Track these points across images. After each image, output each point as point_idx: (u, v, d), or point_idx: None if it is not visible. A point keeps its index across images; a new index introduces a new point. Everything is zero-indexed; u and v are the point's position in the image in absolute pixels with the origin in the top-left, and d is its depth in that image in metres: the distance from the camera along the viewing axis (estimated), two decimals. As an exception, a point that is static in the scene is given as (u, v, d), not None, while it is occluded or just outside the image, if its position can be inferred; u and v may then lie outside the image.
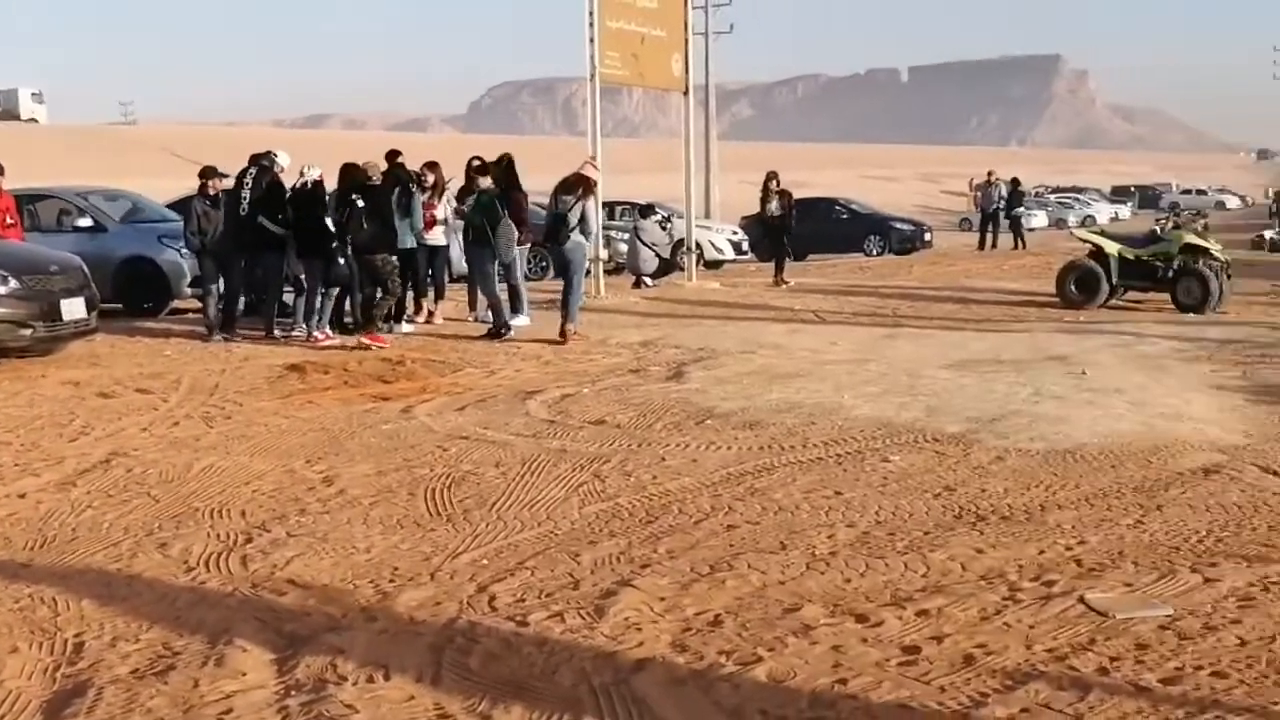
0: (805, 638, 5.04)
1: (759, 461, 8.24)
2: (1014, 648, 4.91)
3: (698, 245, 25.26)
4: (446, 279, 16.87)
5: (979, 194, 38.36)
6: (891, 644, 4.97)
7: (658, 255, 22.58)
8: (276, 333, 14.55)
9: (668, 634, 5.09)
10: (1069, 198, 76.81)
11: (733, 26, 52.39)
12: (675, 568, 5.97)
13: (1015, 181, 36.82)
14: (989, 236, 35.97)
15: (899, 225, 40.18)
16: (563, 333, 13.95)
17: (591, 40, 18.99)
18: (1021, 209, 37.54)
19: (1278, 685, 4.54)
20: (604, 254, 16.24)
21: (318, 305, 14.36)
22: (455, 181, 16.35)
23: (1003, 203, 35.38)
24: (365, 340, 13.55)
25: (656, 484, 7.65)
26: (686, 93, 22.34)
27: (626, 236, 23.32)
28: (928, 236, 39.83)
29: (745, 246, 31.05)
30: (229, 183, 14.93)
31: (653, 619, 5.27)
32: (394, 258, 14.28)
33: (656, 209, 24.65)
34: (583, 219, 14.44)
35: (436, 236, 15.88)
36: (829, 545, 6.35)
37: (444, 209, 15.91)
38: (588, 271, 15.89)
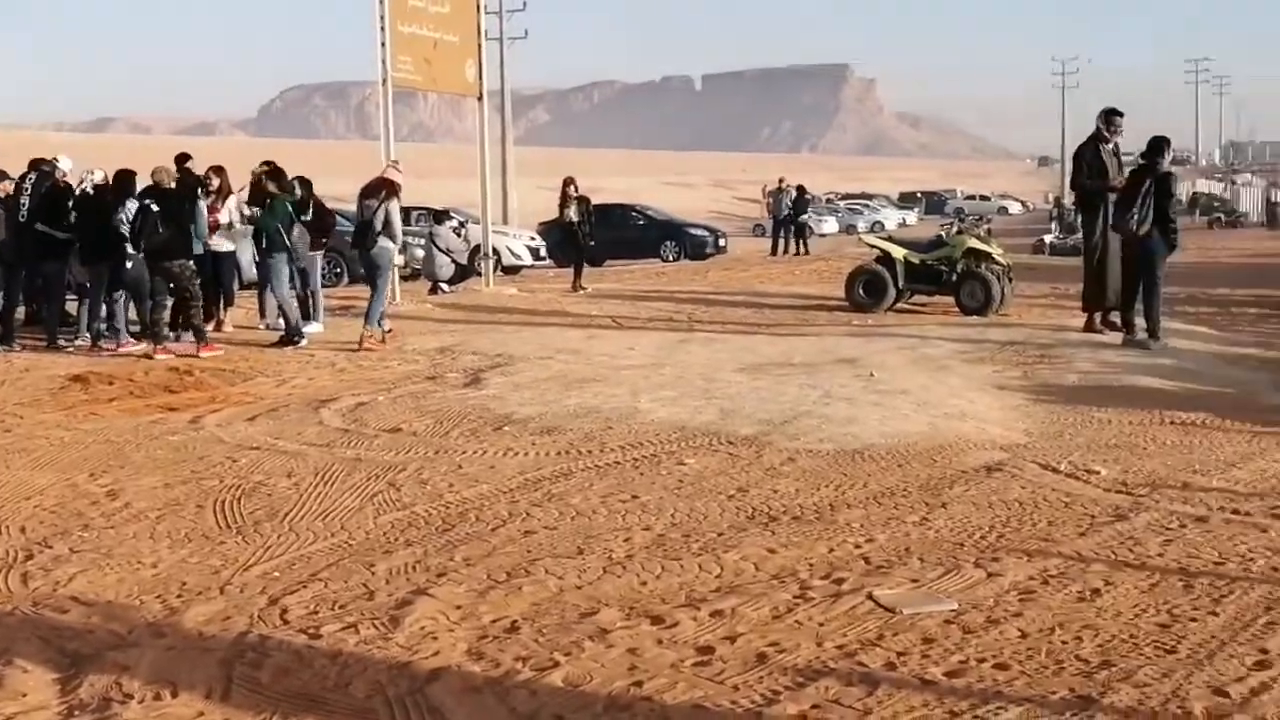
0: (602, 641, 5.07)
1: (556, 467, 8.25)
2: (805, 645, 5.00)
3: (495, 251, 25.19)
4: (236, 286, 16.52)
5: (771, 200, 39.08)
6: (686, 645, 5.02)
7: (454, 261, 22.47)
8: (60, 341, 14.09)
9: (464, 642, 5.07)
10: (859, 204, 78.67)
11: (527, 32, 52.51)
12: (472, 575, 5.94)
13: (800, 189, 37.62)
14: (782, 242, 36.66)
15: (694, 231, 40.64)
16: (362, 340, 13.80)
17: (383, 45, 18.83)
18: (806, 215, 38.38)
19: (1057, 675, 4.70)
20: (399, 260, 16.05)
21: (103, 313, 13.94)
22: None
23: (789, 210, 36.27)
24: (161, 350, 13.27)
25: (453, 491, 7.61)
26: (481, 98, 22.28)
27: (422, 243, 23.13)
28: (722, 242, 40.36)
29: (543, 252, 31.07)
30: (8, 185, 14.38)
31: (449, 627, 5.24)
32: (191, 263, 13.96)
33: (452, 214, 24.53)
34: (388, 222, 14.34)
35: (222, 242, 15.49)
36: (626, 549, 6.39)
37: (229, 214, 15.54)
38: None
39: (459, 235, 22.90)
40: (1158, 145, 14.03)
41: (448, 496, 7.49)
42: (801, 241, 36.57)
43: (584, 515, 7.06)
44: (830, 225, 64.86)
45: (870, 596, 5.60)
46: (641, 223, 40.02)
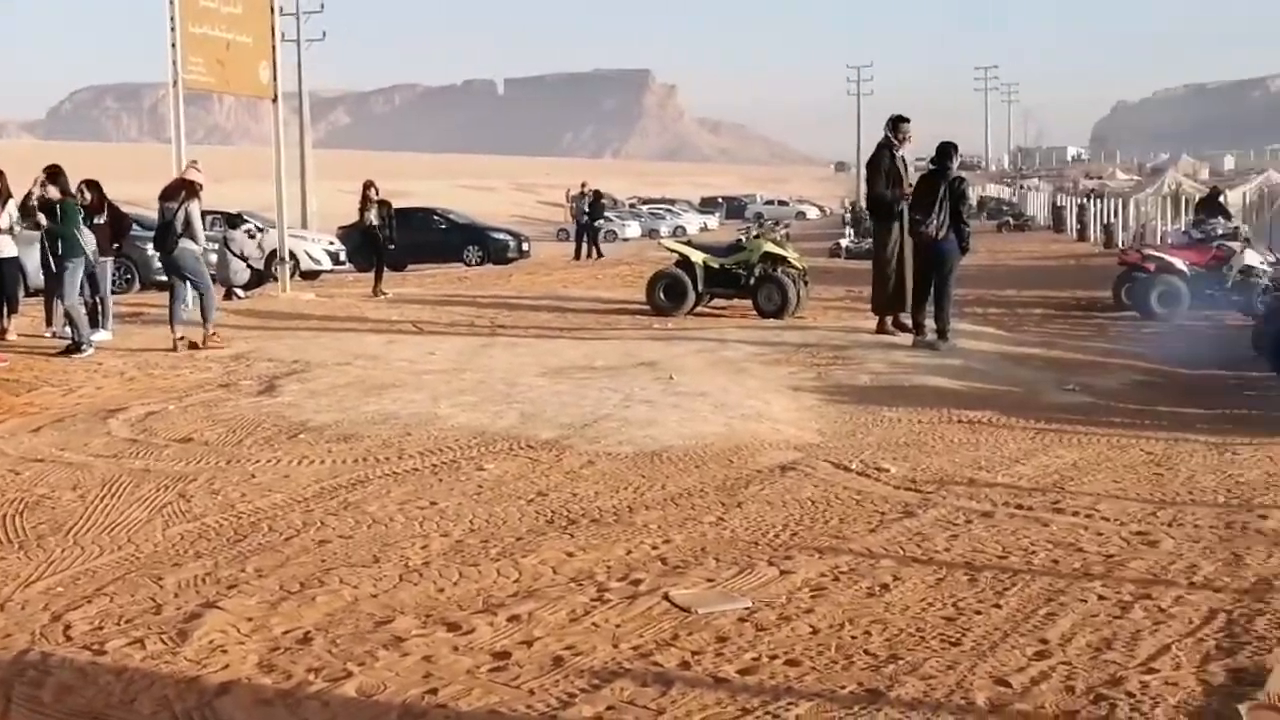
0: (396, 650, 5.01)
1: (353, 475, 8.14)
2: (601, 647, 5.02)
3: (292, 255, 24.77)
4: (21, 293, 15.93)
5: (575, 205, 39.20)
6: (483, 651, 5.00)
7: (249, 266, 22.01)
8: None
9: (255, 654, 4.97)
10: (661, 209, 79.33)
11: (325, 34, 51.70)
12: (264, 586, 5.83)
13: (597, 193, 37.82)
14: (584, 246, 36.80)
15: (497, 235, 40.48)
16: (205, 339, 14.01)
17: (174, 46, 18.38)
18: (601, 220, 38.62)
19: (846, 670, 4.80)
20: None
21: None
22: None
23: (585, 216, 36.55)
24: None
25: (246, 502, 7.45)
26: (276, 100, 21.87)
27: (216, 247, 22.61)
28: (526, 246, 40.29)
29: (343, 256, 30.61)
30: None
31: (239, 640, 5.13)
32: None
33: (246, 218, 24.03)
34: (188, 224, 14.09)
35: (5, 248, 14.89)
36: (423, 556, 6.33)
37: (7, 218, 14.94)
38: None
39: (253, 239, 22.41)
40: (946, 151, 14.46)
41: (240, 507, 7.34)
42: (594, 246, 36.79)
43: (381, 523, 6.98)
44: (633, 229, 65.31)
45: (666, 597, 5.65)
46: (444, 227, 39.73)
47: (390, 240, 23.37)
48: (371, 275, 23.17)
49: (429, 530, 6.82)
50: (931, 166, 14.71)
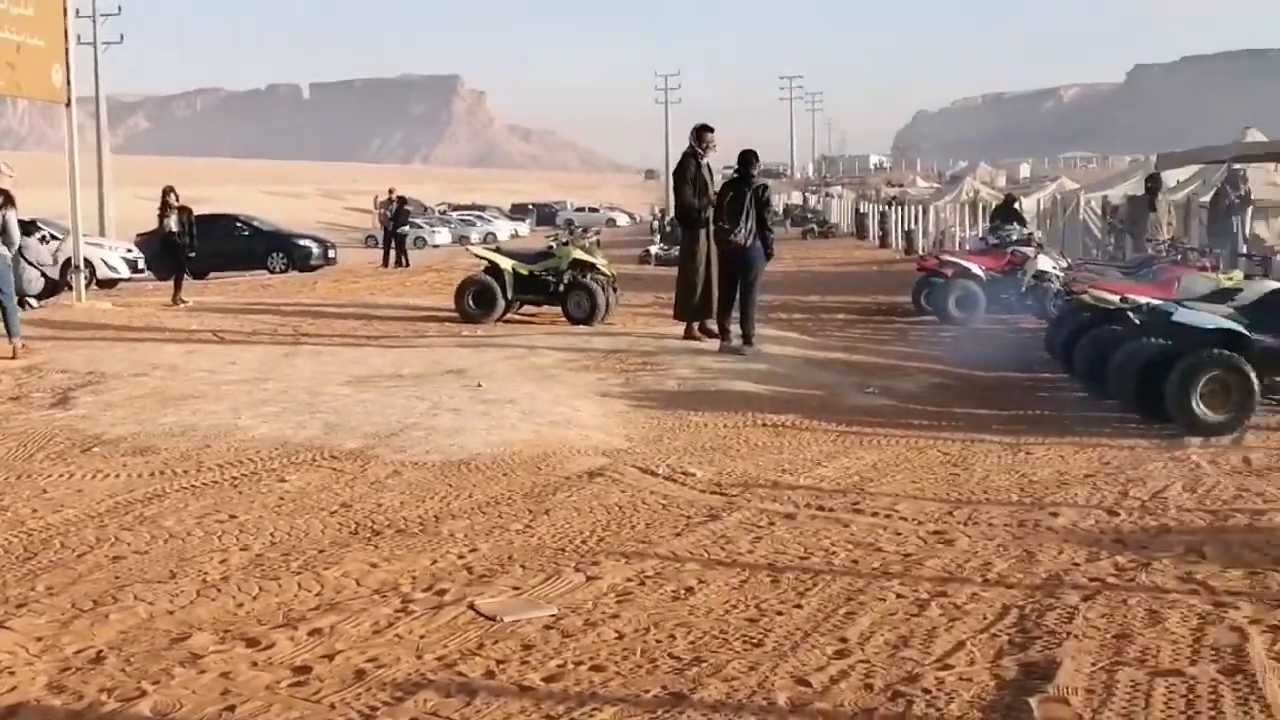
0: (193, 667, 4.89)
1: (150, 488, 7.92)
2: (405, 658, 4.97)
3: (88, 263, 24.03)
4: None
5: (382, 211, 38.81)
6: (283, 666, 4.90)
7: (43, 275, 21.30)
8: None
9: (44, 675, 4.80)
10: (471, 215, 78.94)
11: (123, 37, 50.38)
12: (55, 605, 5.63)
13: (402, 200, 37.50)
14: (392, 253, 36.44)
15: (302, 242, 39.83)
16: (15, 350, 13.66)
17: (-39, 46, 17.69)
18: (406, 227, 38.32)
19: (650, 674, 4.83)
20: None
21: None
22: None
23: (391, 222, 36.27)
24: None
25: (36, 518, 7.19)
26: (69, 104, 21.18)
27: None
28: (332, 253, 39.75)
29: (141, 264, 29.79)
30: None
31: (28, 661, 4.95)
32: None
33: (40, 226, 23.24)
34: (4, 230, 13.69)
35: None
36: (221, 570, 6.19)
37: None
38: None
39: (48, 247, 21.69)
40: (747, 158, 14.67)
41: (30, 523, 7.08)
42: (401, 253, 36.48)
43: (178, 538, 6.80)
44: (443, 236, 64.90)
45: (472, 606, 5.61)
46: (247, 233, 38.99)
47: (190, 248, 22.80)
48: (171, 284, 22.58)
49: (228, 544, 6.67)
50: (735, 174, 14.89)
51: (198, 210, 25.70)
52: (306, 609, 5.59)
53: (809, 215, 71.29)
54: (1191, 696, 4.56)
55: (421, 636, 5.23)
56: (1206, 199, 25.25)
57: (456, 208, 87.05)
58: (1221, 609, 5.54)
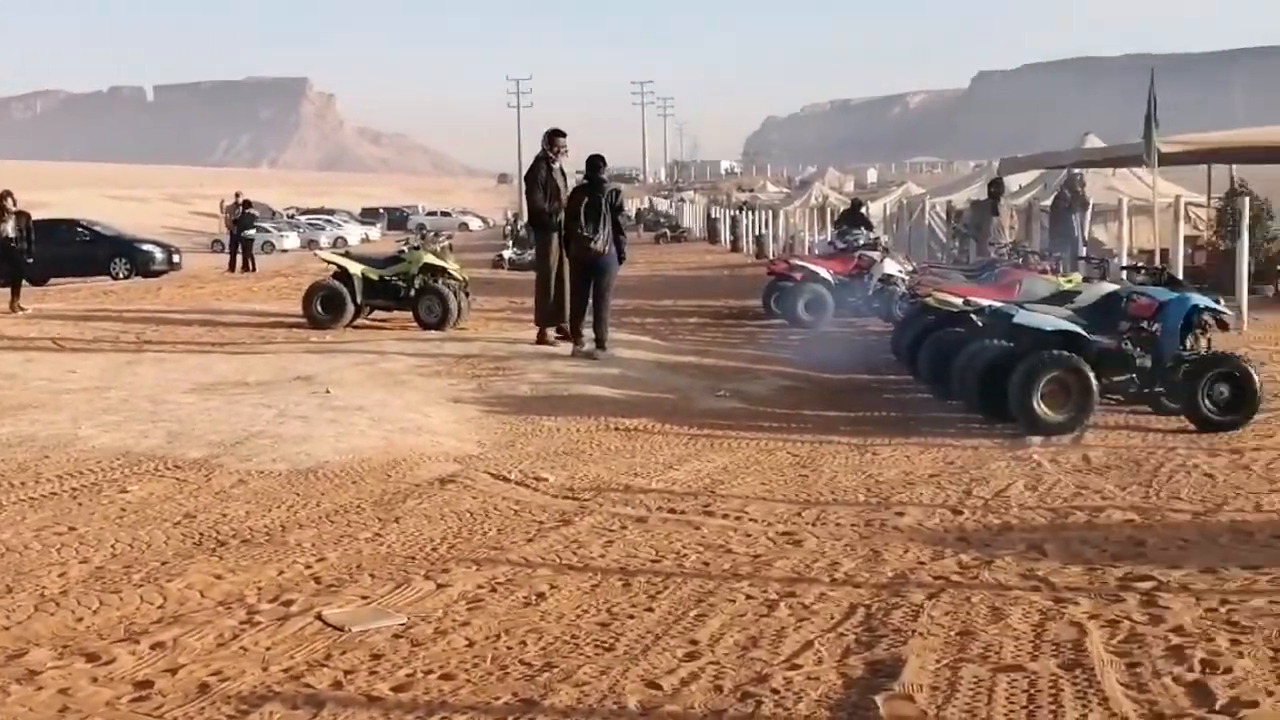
0: (30, 684, 4.75)
1: (-16, 501, 7.68)
2: (250, 671, 4.88)
3: (-80, 270, 23.23)
4: None
5: (229, 215, 38.16)
6: (124, 681, 4.79)
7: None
8: None
9: None
10: (320, 219, 77.89)
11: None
12: (-119, 624, 5.43)
13: (247, 203, 36.93)
14: (239, 258, 35.85)
15: (145, 247, 38.94)
16: None
17: None
18: (253, 231, 37.74)
19: (501, 681, 4.80)
20: None
21: None
22: None
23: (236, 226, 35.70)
24: None
25: None
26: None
27: None
28: (177, 258, 38.94)
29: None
30: None
31: None
32: None
33: None
34: None
35: None
36: (60, 584, 6.02)
37: None
38: None
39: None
40: (594, 163, 14.71)
41: None
42: (248, 258, 35.90)
43: (15, 551, 6.60)
44: (292, 241, 63.92)
45: (319, 617, 5.53)
46: (88, 239, 38.02)
47: (29, 253, 22.19)
48: (8, 290, 21.94)
49: (67, 557, 6.49)
50: (585, 179, 14.89)
51: (37, 215, 25.06)
52: (149, 622, 5.46)
53: (662, 220, 71.63)
54: (1033, 691, 4.66)
55: (267, 648, 5.14)
56: (1047, 203, 25.89)
57: (305, 212, 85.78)
58: (1061, 605, 5.67)
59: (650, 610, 5.63)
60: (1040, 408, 9.96)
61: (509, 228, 56.59)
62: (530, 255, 31.99)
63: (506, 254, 38.99)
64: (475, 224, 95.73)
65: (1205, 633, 5.25)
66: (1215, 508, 7.55)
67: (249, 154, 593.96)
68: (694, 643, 5.19)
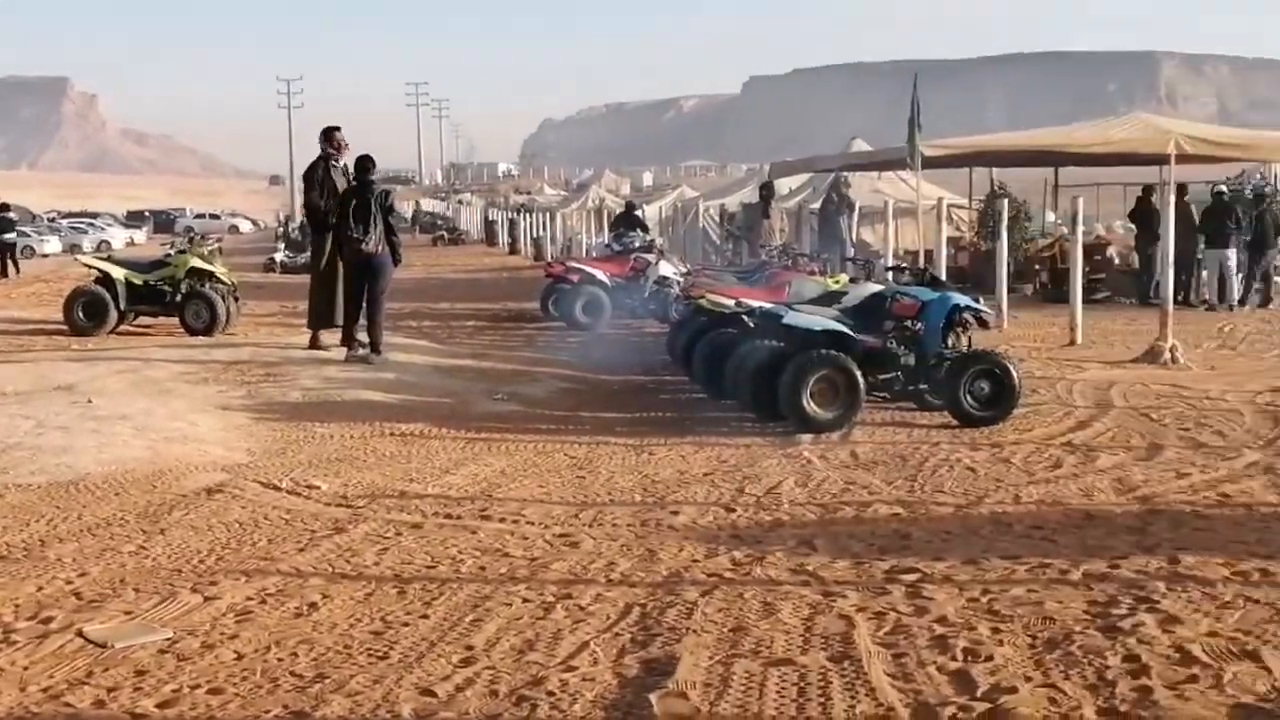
0: None
1: None
2: (7, 691, 4.69)
3: None
4: None
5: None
6: None
7: None
8: None
9: None
10: (83, 223, 75.22)
11: None
12: None
13: (5, 206, 35.55)
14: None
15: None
16: None
17: None
18: (12, 235, 36.33)
19: (271, 694, 4.71)
20: None
21: None
22: None
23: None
24: None
25: None
26: None
27: None
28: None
29: None
30: None
31: None
32: None
33: None
34: None
35: None
36: None
37: None
38: None
39: None
40: (363, 164, 14.51)
41: None
42: (5, 264, 34.53)
43: None
44: (53, 245, 61.58)
45: (80, 633, 5.34)
46: None
47: None
48: None
49: None
50: (354, 181, 14.66)
51: None
52: (-106, 646, 5.20)
53: (439, 222, 71.16)
54: (803, 684, 4.75)
55: (25, 667, 4.95)
56: (816, 206, 26.49)
57: (66, 215, 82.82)
58: (831, 598, 5.80)
59: (425, 617, 5.58)
60: (809, 406, 10.17)
61: (281, 230, 55.55)
62: (303, 258, 31.50)
63: (278, 257, 38.29)
64: (246, 226, 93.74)
65: (967, 622, 5.43)
66: (977, 500, 7.81)
67: (7, 156, 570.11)
68: (469, 648, 5.17)
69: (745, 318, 11.30)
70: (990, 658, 4.98)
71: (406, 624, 5.48)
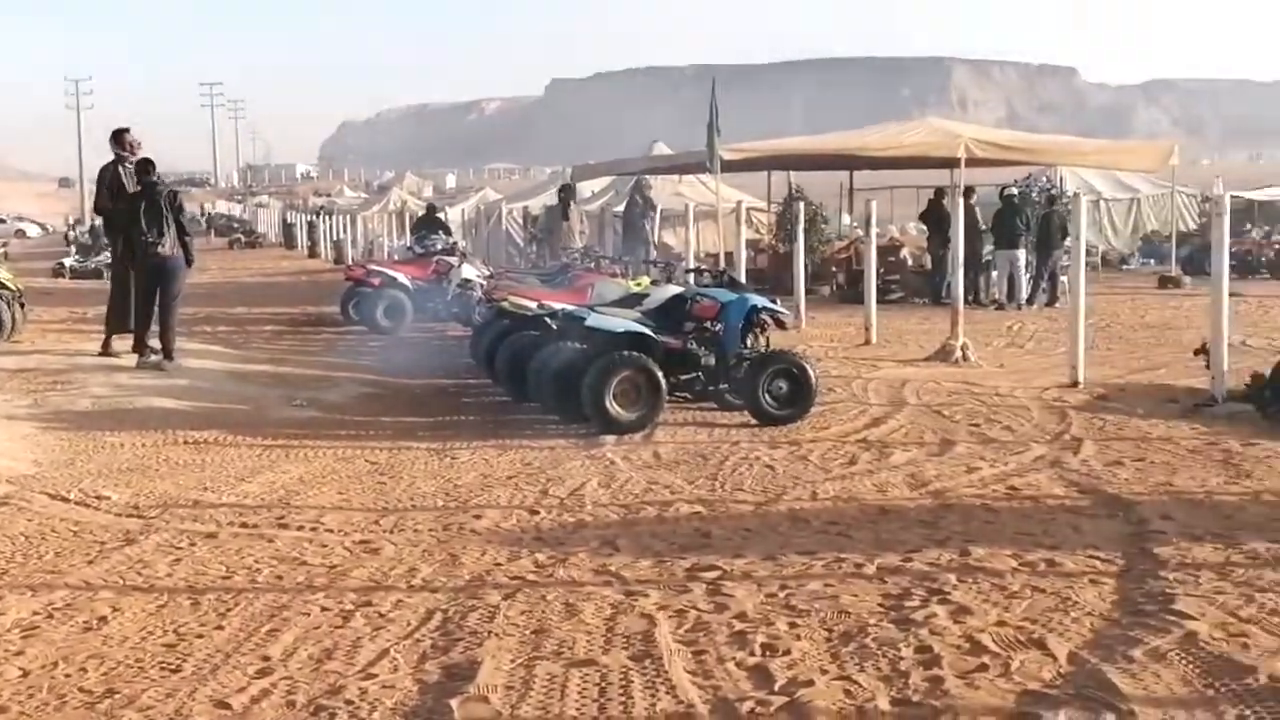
0: None
1: None
2: None
3: None
4: None
5: None
6: None
7: None
8: None
9: None
10: None
11: None
12: None
13: None
14: None
15: None
16: None
17: None
18: None
19: (59, 711, 4.58)
20: None
21: None
22: None
23: None
24: None
25: None
26: None
27: None
28: None
29: None
30: None
31: None
32: None
33: None
34: None
35: None
36: None
37: None
38: None
39: None
40: (144, 167, 14.14)
41: None
42: None
43: None
44: None
45: None
46: None
47: None
48: None
49: None
50: (140, 184, 14.24)
51: None
52: None
53: (235, 225, 69.74)
54: (604, 684, 4.77)
55: None
56: (619, 208, 26.65)
57: None
58: (633, 598, 5.83)
59: (220, 628, 5.46)
60: (612, 407, 10.21)
61: (71, 234, 53.83)
62: (95, 262, 30.65)
63: (68, 262, 37.05)
64: (34, 231, 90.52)
65: (766, 618, 5.51)
66: (775, 497, 7.94)
67: None
68: (266, 659, 5.07)
69: (548, 320, 11.31)
70: (788, 652, 5.07)
71: (201, 635, 5.36)
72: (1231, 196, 16.98)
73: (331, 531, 7.19)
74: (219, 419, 11.01)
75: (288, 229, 58.11)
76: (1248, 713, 4.40)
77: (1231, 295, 12.07)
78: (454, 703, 4.58)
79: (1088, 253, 17.05)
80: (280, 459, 9.43)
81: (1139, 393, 11.82)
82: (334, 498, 8.13)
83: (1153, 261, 30.85)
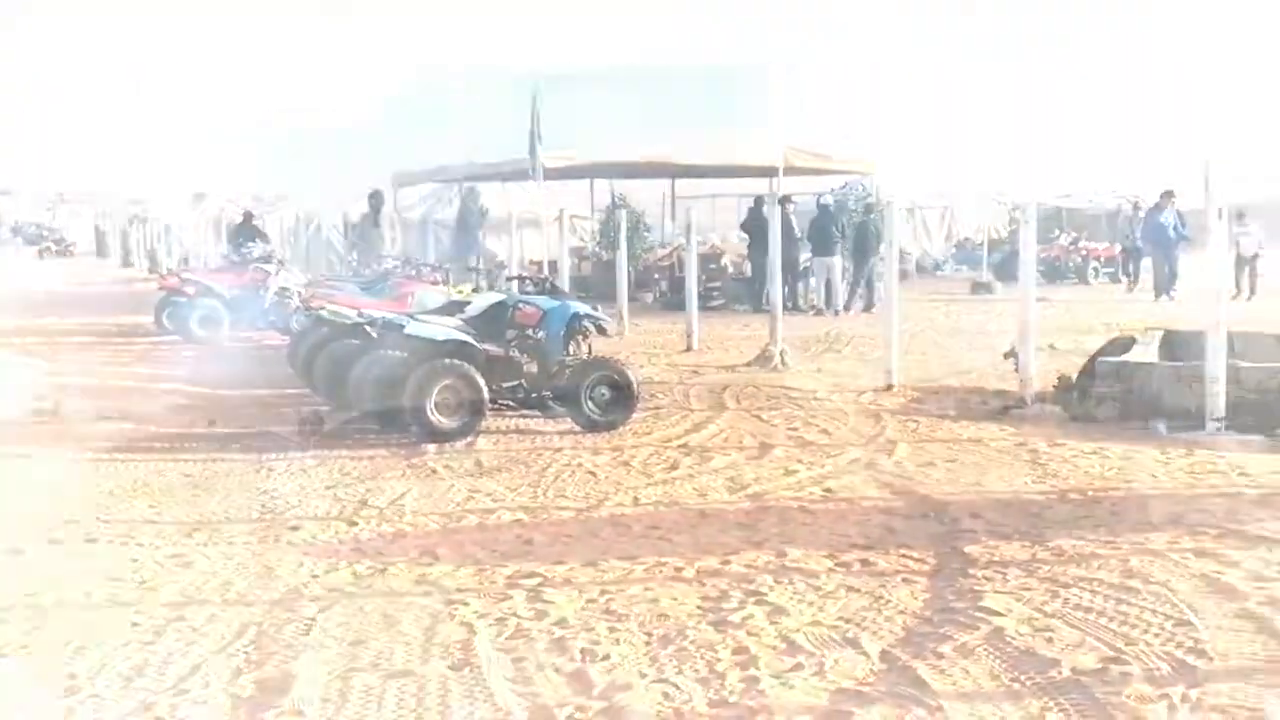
0: None
1: None
2: None
3: None
4: None
5: None
6: None
7: None
8: None
9: None
10: None
11: None
12: None
13: None
14: None
15: None
16: None
17: None
18: None
19: None
20: None
21: None
22: None
23: None
24: None
25: None
26: None
27: None
28: None
29: None
30: None
31: None
32: None
33: None
34: None
35: None
36: None
37: None
38: None
39: None
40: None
41: None
42: None
43: None
44: None
45: None
46: None
47: None
48: None
49: None
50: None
51: None
52: None
53: (45, 233, 67.53)
54: (421, 695, 4.73)
55: None
56: (444, 216, 26.50)
57: None
58: (453, 606, 5.79)
59: (25, 647, 5.29)
60: (434, 415, 10.13)
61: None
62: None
63: None
64: None
65: (586, 623, 5.52)
66: (598, 503, 7.96)
67: None
68: (73, 676, 4.93)
69: (367, 328, 11.17)
70: (607, 657, 5.09)
71: (4, 654, 5.18)
72: (1039, 203, 17.52)
73: (142, 545, 7.01)
74: (26, 433, 10.65)
75: (100, 237, 56.49)
76: (1051, 704, 4.54)
77: (1039, 300, 12.45)
78: (268, 717, 4.50)
79: (902, 259, 17.43)
80: (89, 473, 9.15)
81: (952, 395, 12.12)
82: (145, 511, 7.92)
83: (965, 268, 31.68)
